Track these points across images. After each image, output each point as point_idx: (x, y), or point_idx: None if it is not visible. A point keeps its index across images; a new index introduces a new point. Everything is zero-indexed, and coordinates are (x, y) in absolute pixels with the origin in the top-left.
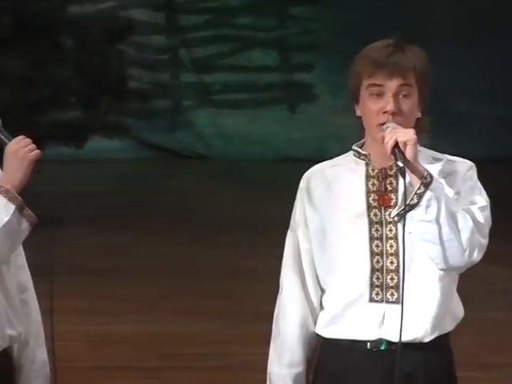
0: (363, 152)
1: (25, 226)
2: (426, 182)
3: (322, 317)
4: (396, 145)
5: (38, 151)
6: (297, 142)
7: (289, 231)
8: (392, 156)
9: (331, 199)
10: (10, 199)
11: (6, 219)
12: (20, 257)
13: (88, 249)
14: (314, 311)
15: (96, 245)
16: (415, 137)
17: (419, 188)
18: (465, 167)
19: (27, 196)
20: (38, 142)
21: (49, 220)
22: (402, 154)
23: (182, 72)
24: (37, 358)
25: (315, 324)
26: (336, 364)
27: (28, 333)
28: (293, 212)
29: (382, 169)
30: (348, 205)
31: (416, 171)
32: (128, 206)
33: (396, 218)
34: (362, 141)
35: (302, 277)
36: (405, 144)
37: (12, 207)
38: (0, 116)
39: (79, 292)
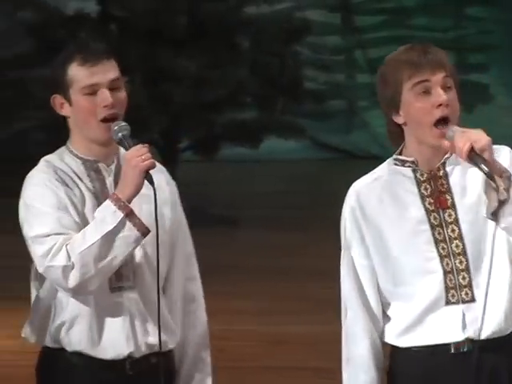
0: (409, 159)
1: (134, 234)
2: (507, 175)
3: (394, 327)
4: (472, 149)
5: (150, 161)
6: None
7: (342, 251)
8: (468, 160)
9: (387, 211)
10: (120, 207)
11: (111, 227)
12: (192, 268)
13: (263, 249)
14: (378, 327)
15: (271, 245)
16: (489, 138)
17: (504, 183)
18: (506, 151)
19: (203, 196)
20: (214, 143)
21: (224, 220)
22: (481, 157)
23: (358, 73)
24: (197, 366)
25: (381, 337)
26: (414, 371)
27: (188, 342)
28: (341, 231)
29: (430, 171)
30: (406, 213)
31: (495, 169)
32: (303, 207)
33: (491, 217)
34: (400, 149)
35: (363, 296)
36: (482, 148)
37: (120, 215)
38: (176, 116)
39: (255, 292)
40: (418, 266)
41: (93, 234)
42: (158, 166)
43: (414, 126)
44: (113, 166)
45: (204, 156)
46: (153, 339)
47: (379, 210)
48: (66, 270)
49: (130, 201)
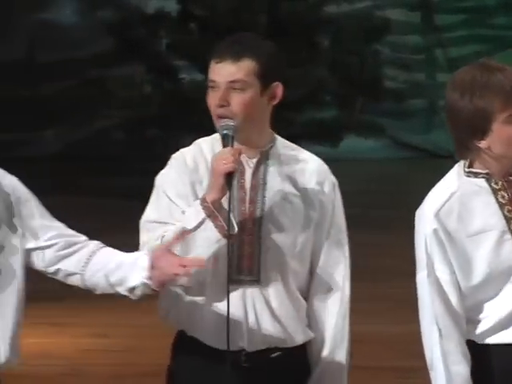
0: (484, 171)
1: (215, 236)
2: None
3: (483, 327)
4: None
5: (231, 165)
6: None
7: (423, 272)
8: None
9: (468, 227)
10: (204, 208)
11: (192, 226)
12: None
13: None
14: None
15: (353, 244)
16: None
17: None
18: None
19: None
20: (293, 142)
21: None
22: None
23: (438, 72)
24: (333, 363)
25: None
26: (507, 366)
27: (324, 335)
28: (421, 252)
29: (504, 179)
30: (487, 226)
31: None
32: (382, 206)
33: None
34: (469, 161)
35: (451, 310)
36: None
37: (202, 215)
38: None
39: None
40: (505, 276)
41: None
42: (316, 166)
43: (501, 149)
44: (255, 160)
45: None
46: (270, 334)
47: (459, 228)
48: None
49: (214, 202)
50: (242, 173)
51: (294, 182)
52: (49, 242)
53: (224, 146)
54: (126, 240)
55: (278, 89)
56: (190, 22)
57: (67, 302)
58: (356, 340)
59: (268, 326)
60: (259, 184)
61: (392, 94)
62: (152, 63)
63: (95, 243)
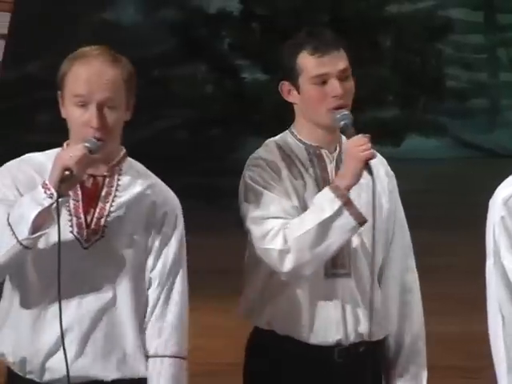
0: None
1: (350, 223)
2: None
3: None
4: None
5: (370, 152)
6: None
7: (490, 260)
8: None
9: None
10: (338, 196)
11: (328, 215)
12: (409, 259)
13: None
14: None
15: (414, 244)
16: None
17: None
18: None
19: None
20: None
21: None
22: None
23: (500, 71)
24: (413, 359)
25: None
26: None
27: (406, 333)
28: (489, 239)
29: None
30: None
31: None
32: (445, 205)
33: None
34: None
35: None
36: None
37: (338, 204)
38: None
39: None
40: None
41: (310, 221)
42: (379, 157)
43: None
44: (335, 154)
45: None
46: (363, 328)
47: None
48: (282, 253)
49: (348, 190)
50: (325, 167)
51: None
52: None
53: (347, 136)
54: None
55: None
56: (252, 21)
57: None
58: None
59: (362, 320)
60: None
61: (454, 94)
62: (214, 63)
63: None
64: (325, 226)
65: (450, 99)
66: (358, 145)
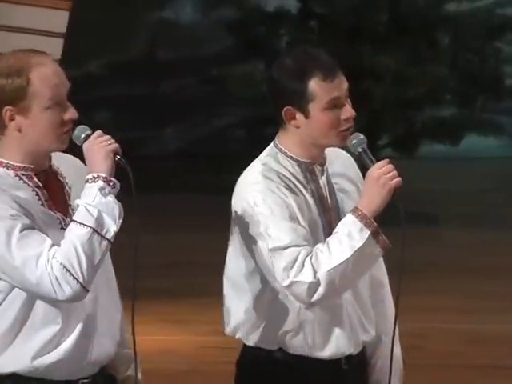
0: None
1: (377, 251)
2: None
3: None
4: None
5: (399, 180)
6: None
7: None
8: None
9: None
10: (366, 224)
11: (360, 245)
12: None
13: (465, 247)
14: None
15: (473, 243)
16: None
17: None
18: None
19: (402, 193)
20: (413, 140)
21: (425, 218)
22: None
23: None
24: (393, 353)
25: None
26: None
27: (381, 330)
28: None
29: None
30: None
31: None
32: (504, 204)
33: None
34: None
35: None
36: None
37: (367, 233)
38: (376, 113)
39: (453, 290)
40: None
41: (340, 252)
42: (332, 150)
43: None
44: (325, 167)
45: (403, 153)
46: (368, 336)
47: None
48: (312, 287)
49: (375, 217)
50: (318, 182)
51: (347, 178)
52: None
53: (365, 160)
54: None
55: None
56: (310, 19)
57: (187, 299)
58: (472, 340)
59: (366, 329)
60: (331, 188)
61: None
62: (272, 61)
63: None
64: (356, 257)
65: (508, 98)
66: (385, 173)
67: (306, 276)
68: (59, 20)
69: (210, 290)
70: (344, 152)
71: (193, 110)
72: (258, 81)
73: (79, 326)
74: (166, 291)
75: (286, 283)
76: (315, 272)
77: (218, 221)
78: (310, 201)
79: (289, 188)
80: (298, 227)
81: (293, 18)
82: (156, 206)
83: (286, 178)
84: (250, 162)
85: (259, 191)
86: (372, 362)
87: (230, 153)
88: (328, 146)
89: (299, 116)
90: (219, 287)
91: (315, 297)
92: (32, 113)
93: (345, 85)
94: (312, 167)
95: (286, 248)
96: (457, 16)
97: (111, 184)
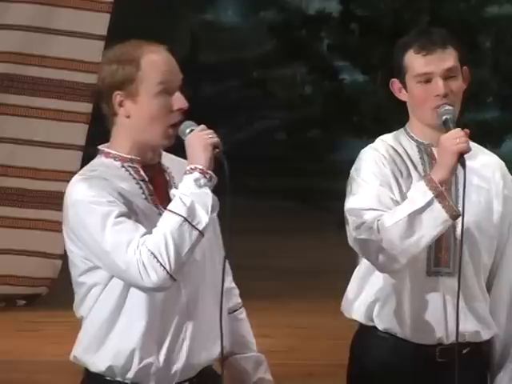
0: None
1: (442, 216)
2: None
3: None
4: None
5: (465, 144)
6: None
7: None
8: None
9: None
10: (431, 188)
11: (419, 206)
12: None
13: None
14: None
15: None
16: None
17: None
18: None
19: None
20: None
21: None
22: None
23: None
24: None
25: None
26: None
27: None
28: None
29: None
30: None
31: None
32: None
33: None
34: None
35: None
36: None
37: (429, 196)
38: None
39: None
40: None
41: (401, 212)
42: (496, 159)
43: None
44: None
45: None
46: (466, 328)
47: None
48: (375, 244)
49: (442, 183)
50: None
51: (478, 175)
52: None
53: (447, 130)
54: (280, 242)
55: (468, 72)
56: (351, 22)
57: None
58: None
59: (464, 319)
60: (457, 177)
61: None
62: (313, 64)
63: None
64: (415, 218)
65: None
66: (452, 138)
67: (372, 234)
68: (100, 22)
69: (260, 291)
70: (496, 157)
71: (234, 113)
72: (299, 83)
73: (175, 322)
74: None
75: (350, 240)
76: (379, 231)
77: (260, 224)
78: (414, 178)
79: (392, 161)
80: (385, 194)
81: (334, 21)
82: None
83: (396, 152)
84: (292, 164)
85: (361, 158)
86: (498, 365)
87: (272, 155)
88: (428, 123)
89: (403, 89)
90: (275, 289)
91: (379, 255)
92: (140, 96)
93: (445, 63)
94: (431, 150)
95: (363, 209)
96: (498, 19)
97: (207, 176)
